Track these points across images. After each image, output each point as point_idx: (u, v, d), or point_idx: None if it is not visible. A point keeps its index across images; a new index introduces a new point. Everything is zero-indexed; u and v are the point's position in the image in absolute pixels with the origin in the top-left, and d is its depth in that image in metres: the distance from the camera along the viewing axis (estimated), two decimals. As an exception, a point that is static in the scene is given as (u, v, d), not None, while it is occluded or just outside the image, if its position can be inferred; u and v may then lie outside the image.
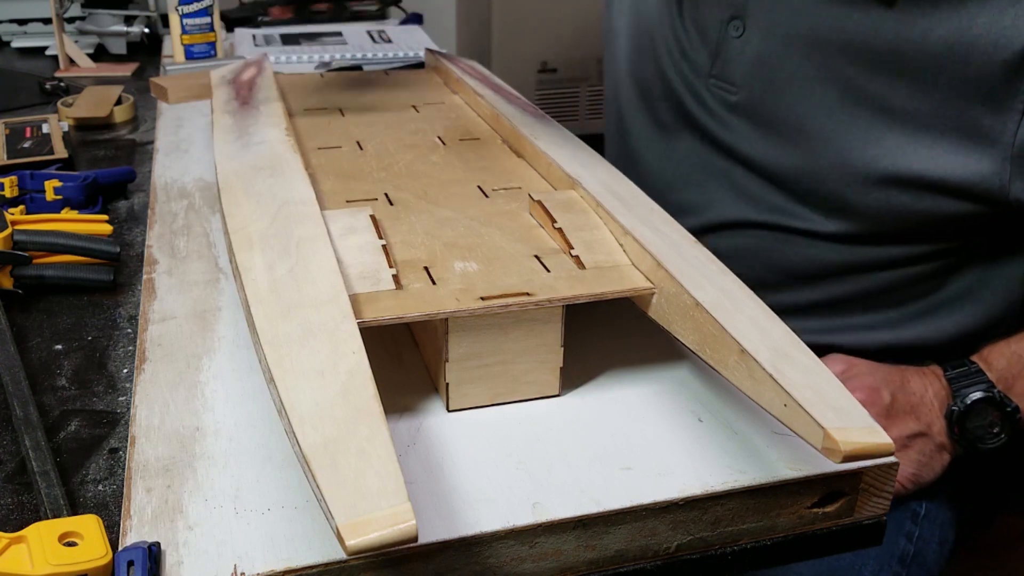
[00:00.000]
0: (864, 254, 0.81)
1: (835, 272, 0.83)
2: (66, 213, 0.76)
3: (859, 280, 0.83)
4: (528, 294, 0.51)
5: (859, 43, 0.73)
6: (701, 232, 0.85)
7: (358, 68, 1.21)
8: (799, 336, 0.83)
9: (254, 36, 1.39)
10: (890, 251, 0.80)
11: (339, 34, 1.41)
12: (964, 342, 0.83)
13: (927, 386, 0.74)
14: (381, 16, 0.90)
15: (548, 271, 0.54)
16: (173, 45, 1.22)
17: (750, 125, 0.82)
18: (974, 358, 0.74)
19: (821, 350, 0.81)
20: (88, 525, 0.42)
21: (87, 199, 0.79)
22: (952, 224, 0.76)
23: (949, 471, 0.75)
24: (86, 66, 1.29)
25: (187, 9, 1.20)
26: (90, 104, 1.05)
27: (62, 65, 1.26)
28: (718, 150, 0.85)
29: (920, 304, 0.83)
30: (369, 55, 1.28)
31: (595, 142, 0.75)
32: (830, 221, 0.80)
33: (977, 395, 0.72)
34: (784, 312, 0.84)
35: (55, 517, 0.44)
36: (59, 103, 1.06)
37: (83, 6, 1.37)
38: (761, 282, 0.83)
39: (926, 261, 0.80)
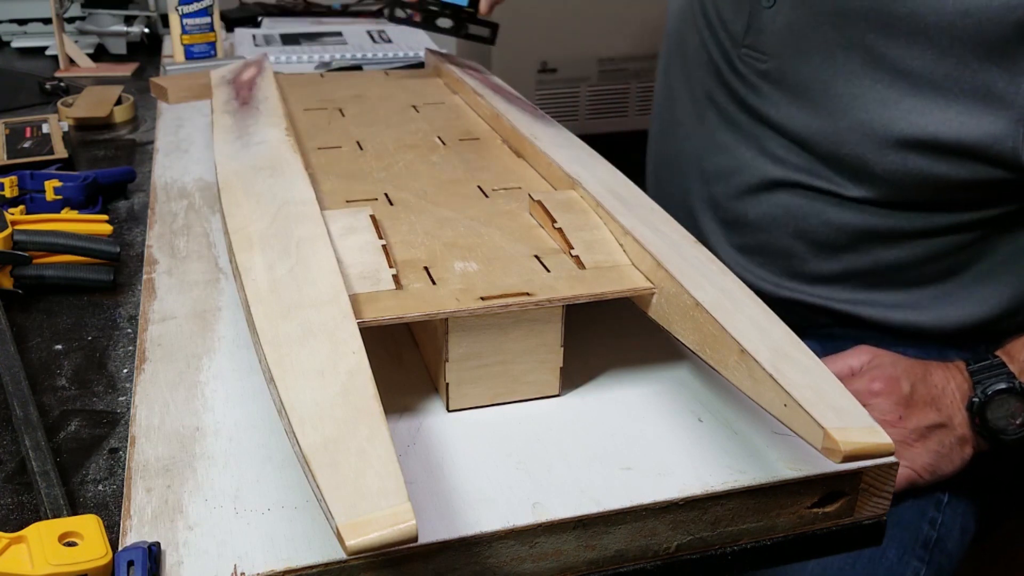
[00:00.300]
0: (887, 222, 0.84)
1: (860, 240, 0.86)
2: (66, 213, 0.76)
3: (883, 252, 0.86)
4: (528, 294, 0.51)
5: (880, 10, 0.77)
6: (735, 197, 0.91)
7: (358, 68, 1.21)
8: (828, 303, 0.89)
9: (254, 36, 1.39)
10: (912, 220, 0.83)
11: (339, 34, 1.41)
12: (985, 327, 0.86)
13: (949, 379, 0.75)
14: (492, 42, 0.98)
15: (548, 271, 0.54)
16: (173, 45, 1.22)
17: (779, 91, 0.86)
18: (997, 352, 0.75)
19: (848, 320, 0.88)
20: (88, 525, 0.42)
21: (87, 199, 0.79)
22: (968, 190, 0.79)
23: (972, 463, 0.76)
24: (86, 66, 1.29)
25: (187, 9, 1.20)
26: (90, 104, 1.05)
27: (62, 65, 1.26)
28: (749, 115, 0.90)
29: (942, 286, 0.86)
30: (369, 55, 1.28)
31: (595, 142, 0.75)
32: (853, 185, 0.83)
33: (999, 386, 0.72)
34: (812, 280, 0.90)
35: (55, 517, 0.44)
36: (59, 103, 1.06)
37: (83, 6, 1.37)
38: (789, 251, 0.90)
39: (947, 233, 0.83)
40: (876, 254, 0.86)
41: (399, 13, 0.97)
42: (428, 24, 0.98)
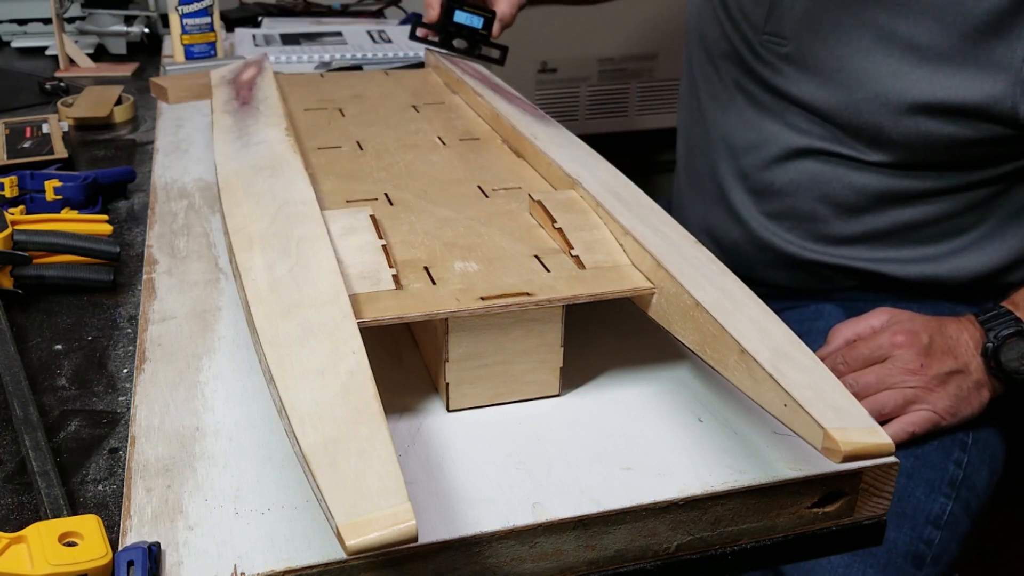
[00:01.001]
0: (904, 183, 0.92)
1: (879, 202, 0.94)
2: (66, 213, 0.76)
3: (901, 212, 0.94)
4: (528, 294, 0.51)
5: None
6: (762, 167, 0.99)
7: (358, 68, 1.21)
8: (851, 263, 0.97)
9: (254, 36, 1.39)
10: (926, 180, 0.91)
11: (339, 34, 1.41)
12: (996, 277, 0.96)
13: (962, 330, 0.82)
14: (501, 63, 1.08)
15: (548, 271, 0.54)
16: (173, 45, 1.22)
17: (799, 71, 0.94)
18: (1004, 303, 0.83)
19: (869, 277, 0.99)
20: (88, 525, 0.42)
21: (87, 199, 0.79)
22: (975, 147, 0.88)
23: (992, 407, 0.83)
24: (86, 66, 1.29)
25: (187, 9, 1.20)
26: (90, 104, 1.05)
27: (62, 65, 1.26)
28: (774, 95, 0.98)
29: (957, 240, 0.95)
30: (369, 55, 1.28)
31: (595, 142, 0.75)
32: (872, 151, 0.92)
33: (1008, 331, 0.80)
34: (834, 242, 0.97)
35: (55, 517, 0.44)
36: (59, 103, 1.06)
37: (83, 6, 1.37)
38: (814, 214, 0.97)
39: (959, 192, 0.92)
40: (894, 214, 0.94)
41: (419, 32, 1.06)
42: (445, 44, 1.05)
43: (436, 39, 1.05)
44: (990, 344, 0.80)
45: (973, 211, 0.93)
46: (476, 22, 1.04)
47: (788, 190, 0.98)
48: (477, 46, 1.05)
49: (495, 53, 1.07)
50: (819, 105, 0.93)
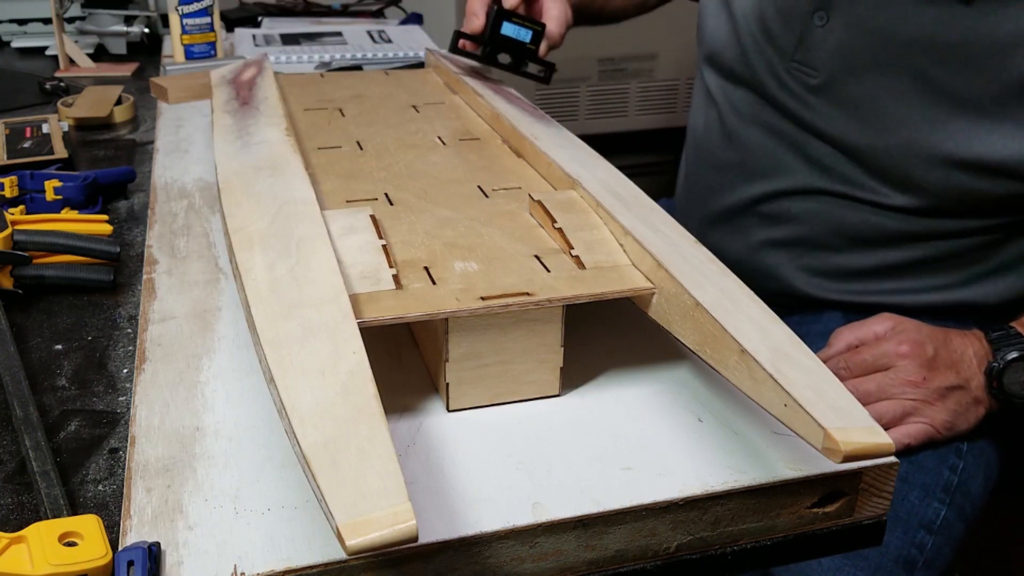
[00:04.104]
0: (924, 225, 0.90)
1: (895, 240, 0.92)
2: (66, 213, 0.76)
3: (915, 248, 0.92)
4: (528, 294, 0.51)
5: (933, 36, 0.81)
6: (774, 196, 0.96)
7: (358, 68, 1.21)
8: (848, 296, 0.95)
9: (254, 36, 1.39)
10: (946, 224, 0.89)
11: (339, 34, 1.41)
12: (1006, 307, 0.94)
13: (968, 345, 0.81)
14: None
15: (548, 271, 0.54)
16: (173, 45, 1.22)
17: (828, 105, 0.90)
18: (1013, 324, 0.81)
19: (868, 309, 0.91)
20: (88, 525, 0.42)
21: (87, 199, 0.79)
22: (1007, 202, 0.86)
23: (987, 420, 0.82)
24: (86, 66, 1.29)
25: (187, 9, 1.20)
26: (90, 104, 1.05)
27: (62, 65, 1.26)
28: (796, 124, 0.94)
29: (968, 272, 0.93)
30: (369, 55, 1.28)
31: (595, 142, 0.76)
32: (897, 194, 0.89)
33: (1014, 355, 0.79)
34: (838, 275, 0.96)
35: (55, 517, 0.44)
36: (59, 103, 1.06)
37: (83, 6, 1.37)
38: (821, 243, 0.95)
39: (979, 234, 0.90)
40: (910, 250, 0.92)
41: (460, 44, 0.95)
42: (489, 59, 0.95)
43: (478, 52, 0.95)
44: (995, 364, 0.79)
45: (989, 247, 0.91)
46: (524, 35, 0.94)
47: (800, 217, 0.96)
48: (523, 62, 0.95)
49: (540, 71, 0.97)
50: (847, 142, 0.90)
